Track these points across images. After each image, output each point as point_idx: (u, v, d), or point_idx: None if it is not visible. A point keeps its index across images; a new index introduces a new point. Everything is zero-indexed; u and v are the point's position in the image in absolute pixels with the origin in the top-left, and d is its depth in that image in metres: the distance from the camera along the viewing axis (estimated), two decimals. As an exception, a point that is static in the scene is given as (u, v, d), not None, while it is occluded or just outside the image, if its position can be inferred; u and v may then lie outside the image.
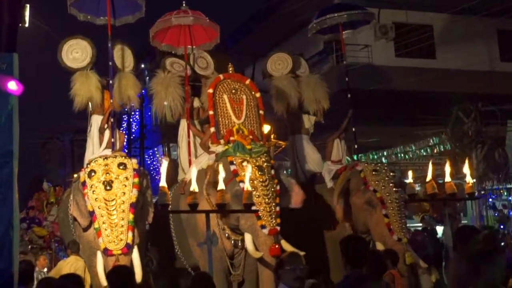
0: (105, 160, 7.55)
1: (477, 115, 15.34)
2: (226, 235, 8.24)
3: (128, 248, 7.10)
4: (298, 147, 10.51)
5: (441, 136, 15.53)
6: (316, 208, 9.44)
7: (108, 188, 7.27)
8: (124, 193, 7.29)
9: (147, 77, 25.24)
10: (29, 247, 13.39)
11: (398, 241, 8.52)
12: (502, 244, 11.43)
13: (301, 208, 8.85)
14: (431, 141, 15.73)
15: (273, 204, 7.73)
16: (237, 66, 9.42)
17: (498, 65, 21.51)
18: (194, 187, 5.04)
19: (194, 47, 10.21)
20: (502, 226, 15.30)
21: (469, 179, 6.85)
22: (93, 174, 7.41)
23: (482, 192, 15.18)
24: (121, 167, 7.46)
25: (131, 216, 7.21)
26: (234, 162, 7.94)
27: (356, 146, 10.48)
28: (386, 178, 8.99)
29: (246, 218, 7.72)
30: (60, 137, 43.49)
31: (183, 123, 9.89)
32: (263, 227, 7.63)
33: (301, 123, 10.61)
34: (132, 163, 7.62)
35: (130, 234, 7.13)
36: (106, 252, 7.09)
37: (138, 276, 7.03)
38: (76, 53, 9.05)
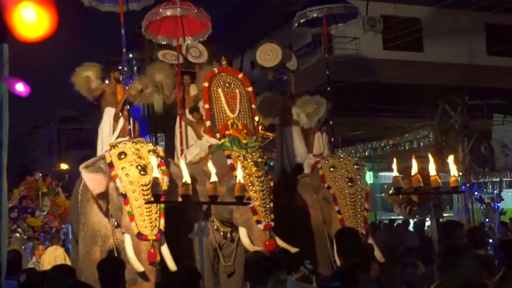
0: (135, 144, 7.50)
1: (463, 108, 15.43)
2: (215, 227, 8.29)
3: (161, 235, 7.11)
4: (287, 138, 10.49)
5: (428, 129, 15.60)
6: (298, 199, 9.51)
7: (142, 173, 7.20)
8: None
9: (135, 67, 25.19)
10: (17, 235, 13.14)
11: None
12: (489, 239, 11.48)
13: (286, 200, 8.93)
14: (418, 134, 15.76)
15: (268, 200, 7.77)
16: (225, 57, 9.37)
17: (485, 59, 21.65)
18: (186, 178, 5.00)
19: (189, 37, 10.13)
20: (487, 219, 15.44)
21: (454, 173, 6.88)
22: (123, 156, 7.32)
23: (468, 185, 15.27)
24: (151, 153, 7.42)
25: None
26: (232, 156, 7.96)
27: (332, 139, 10.42)
28: (343, 174, 8.90)
29: (241, 212, 7.74)
30: (47, 126, 43.27)
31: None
32: (258, 222, 7.67)
33: (290, 115, 10.57)
34: (159, 150, 7.63)
35: (162, 220, 7.14)
36: (140, 236, 7.02)
37: (170, 262, 7.08)
38: None
